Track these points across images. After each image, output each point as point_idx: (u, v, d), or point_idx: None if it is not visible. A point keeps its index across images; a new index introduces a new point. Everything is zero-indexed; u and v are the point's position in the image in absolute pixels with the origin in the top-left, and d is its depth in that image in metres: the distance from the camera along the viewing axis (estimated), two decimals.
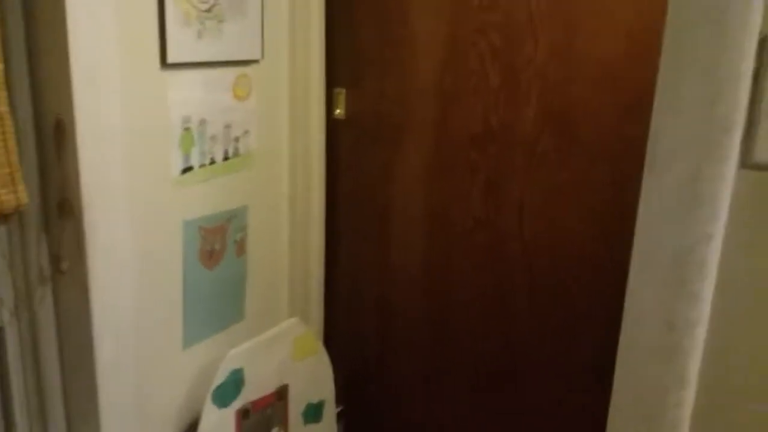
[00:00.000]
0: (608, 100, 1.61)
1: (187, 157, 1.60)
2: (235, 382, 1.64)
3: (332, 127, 1.98)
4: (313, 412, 1.86)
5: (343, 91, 1.96)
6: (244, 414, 1.68)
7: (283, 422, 1.79)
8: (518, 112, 1.72)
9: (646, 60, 1.53)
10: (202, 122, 1.63)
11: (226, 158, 1.72)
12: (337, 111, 1.97)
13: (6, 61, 1.23)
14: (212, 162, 1.68)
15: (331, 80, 1.95)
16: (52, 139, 1.29)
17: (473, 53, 1.75)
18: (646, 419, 0.86)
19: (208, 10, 1.57)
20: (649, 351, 0.86)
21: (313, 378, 1.84)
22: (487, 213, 1.80)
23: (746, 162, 0.79)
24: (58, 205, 1.30)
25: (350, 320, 2.08)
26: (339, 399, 1.99)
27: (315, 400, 1.86)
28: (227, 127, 1.70)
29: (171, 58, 1.50)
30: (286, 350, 1.77)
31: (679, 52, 0.83)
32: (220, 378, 1.60)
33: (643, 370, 0.87)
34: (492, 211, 1.80)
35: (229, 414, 1.64)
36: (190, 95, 1.58)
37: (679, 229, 0.82)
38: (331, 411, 1.90)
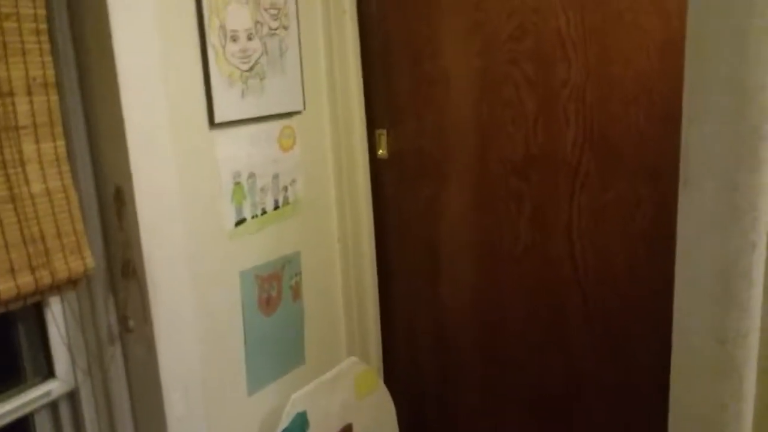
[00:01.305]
0: (646, 117, 1.61)
1: (239, 209, 1.67)
2: (300, 426, 1.67)
3: (376, 167, 2.03)
4: None
5: (385, 132, 2.01)
6: None
7: None
8: (558, 136, 1.73)
9: (680, 73, 1.53)
10: (252, 175, 1.70)
11: (276, 207, 1.78)
12: (380, 152, 2.02)
13: (67, 137, 1.32)
14: (263, 212, 1.74)
15: (372, 123, 2.00)
16: (113, 206, 1.37)
17: (507, 83, 1.78)
18: None
19: (250, 69, 1.65)
20: (703, 366, 0.86)
21: (376, 415, 1.86)
22: (535, 239, 1.81)
23: None
24: (122, 267, 1.38)
25: (408, 356, 2.10)
26: None
27: None
28: (275, 177, 1.77)
29: (218, 119, 1.58)
30: (347, 389, 1.80)
31: (703, 65, 0.85)
32: (284, 422, 1.63)
33: (699, 385, 0.86)
34: (540, 237, 1.80)
35: None
36: (238, 151, 1.66)
37: (720, 240, 0.82)
38: None
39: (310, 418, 1.70)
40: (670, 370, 0.92)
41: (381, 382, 1.92)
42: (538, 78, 1.73)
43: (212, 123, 1.57)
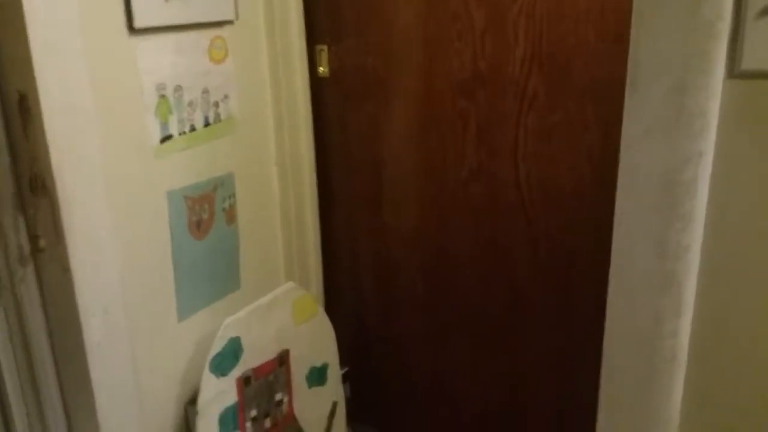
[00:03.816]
0: (597, 36, 1.54)
1: (165, 125, 1.55)
2: (233, 351, 1.62)
3: (317, 86, 1.92)
4: (317, 375, 1.84)
5: (325, 47, 1.90)
6: (245, 381, 1.66)
7: (287, 387, 1.77)
8: (506, 54, 1.66)
9: None
10: (178, 88, 1.58)
11: (207, 124, 1.67)
12: (321, 69, 1.91)
13: None
14: (192, 129, 1.63)
15: (312, 37, 1.89)
16: (17, 115, 1.24)
17: None
18: (642, 350, 0.82)
19: None
20: (641, 279, 0.81)
21: (314, 341, 1.82)
22: (481, 162, 1.75)
23: (733, 71, 0.74)
24: (30, 183, 1.27)
25: (350, 281, 2.05)
26: (344, 360, 1.97)
27: (318, 363, 1.84)
28: (205, 92, 1.65)
29: (138, 23, 1.45)
30: (284, 315, 1.75)
31: None
32: (217, 347, 1.57)
33: (637, 299, 0.82)
34: (486, 160, 1.74)
35: (230, 382, 1.62)
36: (162, 61, 1.53)
37: (666, 147, 0.77)
38: (335, 373, 1.88)
39: (244, 343, 1.64)
40: None
41: (320, 307, 1.87)
42: None
43: (131, 28, 1.44)
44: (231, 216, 1.77)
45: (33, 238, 1.31)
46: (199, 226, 1.67)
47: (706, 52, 0.74)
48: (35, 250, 1.32)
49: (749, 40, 0.74)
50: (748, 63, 0.74)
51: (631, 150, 0.81)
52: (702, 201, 0.78)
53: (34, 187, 1.27)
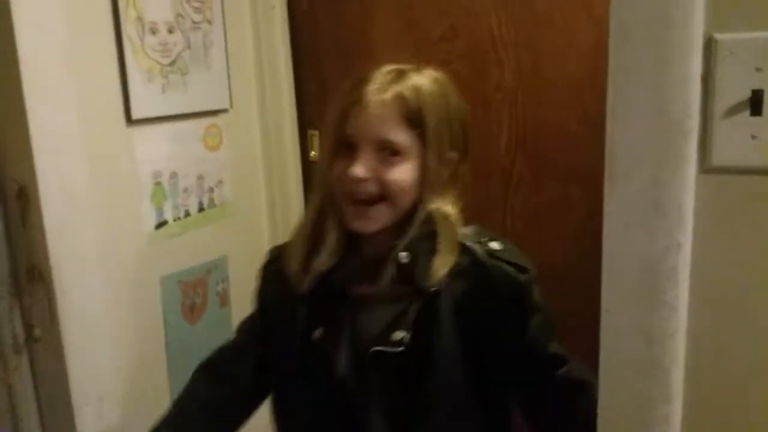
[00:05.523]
0: (578, 119, 1.61)
1: (160, 212, 1.59)
2: None
3: (309, 170, 1.96)
4: None
5: (317, 132, 1.95)
6: None
7: None
8: (491, 140, 1.71)
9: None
10: (174, 175, 1.62)
11: (201, 210, 1.70)
12: (312, 153, 1.96)
13: None
14: (187, 215, 1.66)
15: (304, 123, 1.94)
16: (16, 207, 1.27)
17: None
18: None
19: (171, 64, 1.57)
20: (630, 366, 0.84)
21: None
22: None
23: (704, 167, 0.78)
24: (27, 272, 1.28)
25: None
26: None
27: None
28: (200, 178, 1.69)
29: (135, 115, 1.50)
30: None
31: (626, 59, 0.83)
32: None
33: (627, 385, 0.84)
34: None
35: None
36: (158, 149, 1.57)
37: (645, 239, 0.80)
38: None
39: None
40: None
41: None
42: (470, 80, 1.71)
43: (129, 119, 1.49)
44: (224, 299, 1.78)
45: (28, 327, 1.31)
46: (192, 311, 1.68)
47: (677, 149, 0.79)
48: (30, 339, 1.32)
49: (717, 137, 0.79)
50: (718, 159, 0.79)
51: (613, 242, 0.84)
52: (684, 289, 0.81)
53: (31, 276, 1.28)
